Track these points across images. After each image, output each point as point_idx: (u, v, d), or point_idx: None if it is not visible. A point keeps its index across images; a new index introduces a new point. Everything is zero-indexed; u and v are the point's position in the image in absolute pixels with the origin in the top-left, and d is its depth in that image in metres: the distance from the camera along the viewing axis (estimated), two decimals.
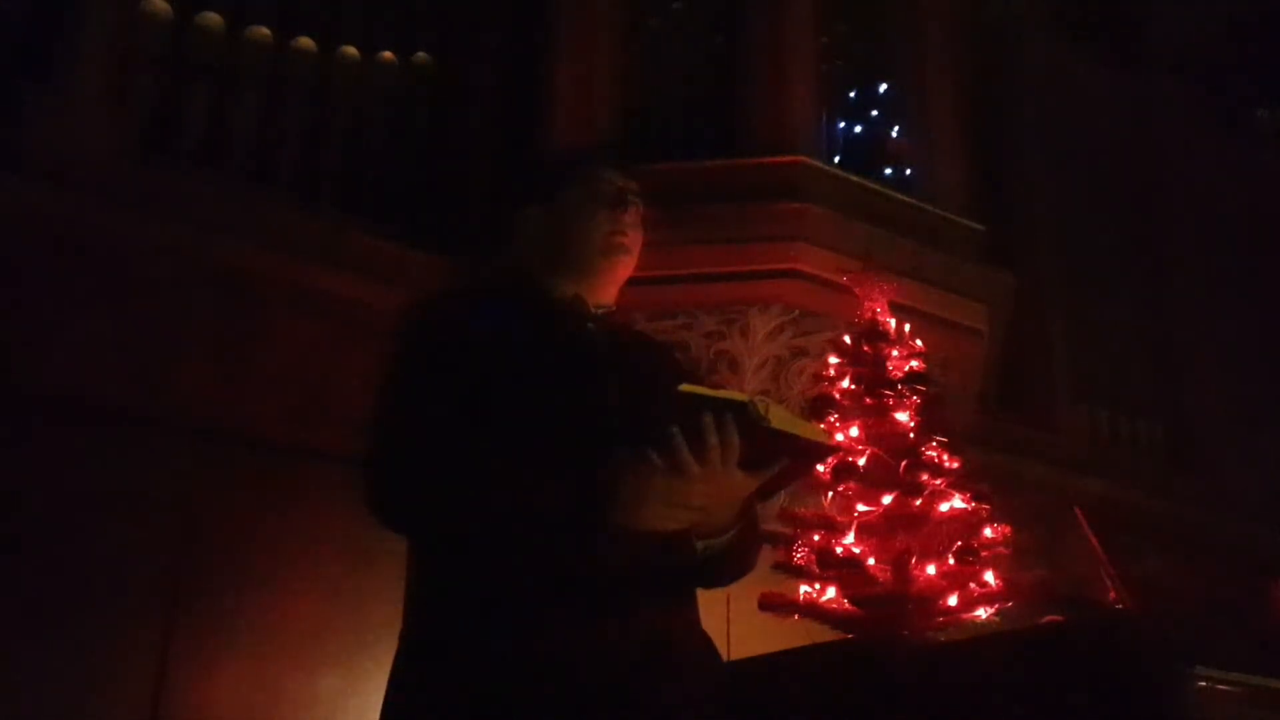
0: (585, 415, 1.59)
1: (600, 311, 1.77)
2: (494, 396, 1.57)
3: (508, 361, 1.61)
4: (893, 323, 3.24)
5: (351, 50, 4.21)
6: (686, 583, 1.63)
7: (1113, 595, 2.55)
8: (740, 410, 1.43)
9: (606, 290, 1.79)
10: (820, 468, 2.91)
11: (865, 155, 4.55)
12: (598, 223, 1.76)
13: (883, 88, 4.76)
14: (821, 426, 1.61)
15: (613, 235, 1.76)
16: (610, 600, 1.50)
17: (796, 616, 2.91)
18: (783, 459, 1.51)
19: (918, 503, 2.93)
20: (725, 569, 1.64)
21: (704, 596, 1.70)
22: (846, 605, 2.90)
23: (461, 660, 1.49)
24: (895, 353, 3.16)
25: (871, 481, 2.96)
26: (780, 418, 1.45)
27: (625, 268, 1.79)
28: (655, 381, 1.65)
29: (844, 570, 2.89)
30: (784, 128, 4.17)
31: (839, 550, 2.90)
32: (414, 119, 4.30)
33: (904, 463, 2.95)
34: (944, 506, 2.94)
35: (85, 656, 3.07)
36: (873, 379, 3.11)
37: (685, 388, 1.45)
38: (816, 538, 2.94)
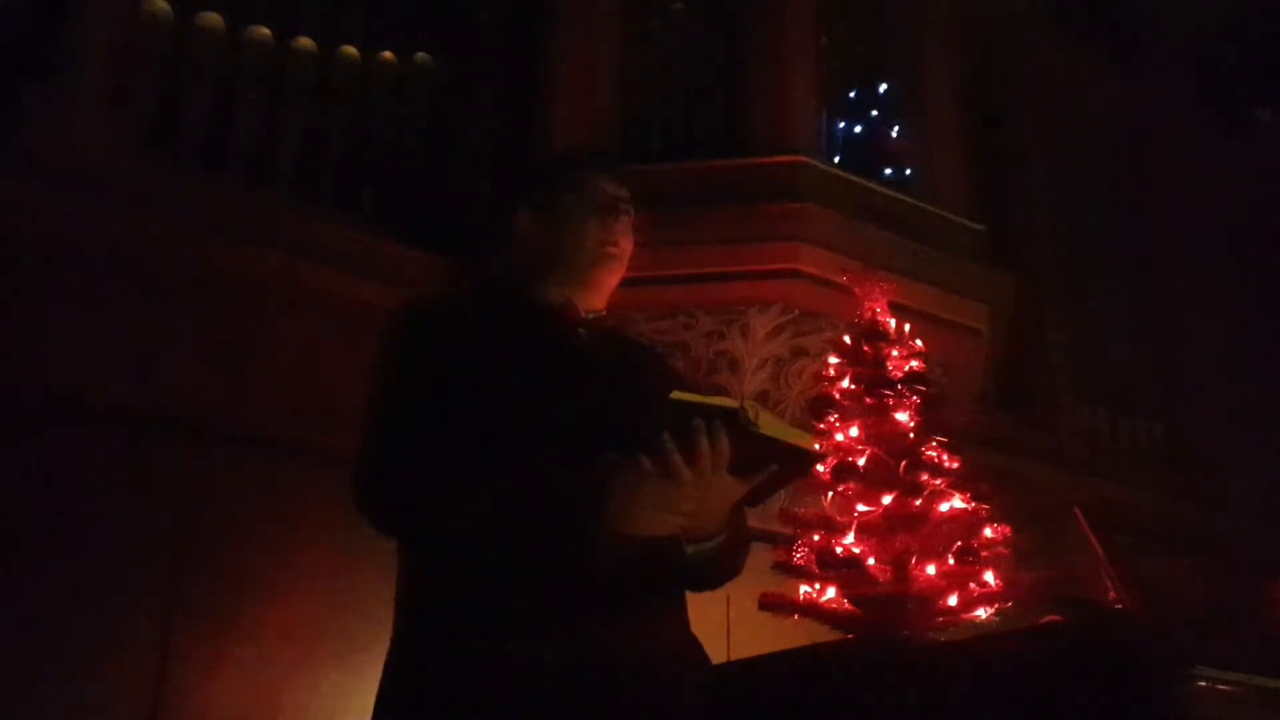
0: (573, 418, 1.60)
1: (590, 316, 1.78)
2: (481, 399, 1.58)
3: (495, 364, 1.62)
4: (893, 323, 3.23)
5: (351, 50, 4.20)
6: (675, 586, 1.64)
7: (1113, 595, 2.55)
8: (730, 416, 1.45)
9: (597, 296, 1.80)
10: (819, 468, 2.92)
11: (865, 155, 4.55)
12: (589, 230, 1.77)
13: (883, 88, 4.75)
14: (810, 434, 1.63)
15: (603, 244, 1.78)
16: (598, 603, 1.50)
17: (796, 616, 2.90)
18: (771, 464, 1.53)
19: (918, 503, 2.92)
20: (714, 572, 1.66)
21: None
22: (846, 605, 2.89)
23: (448, 660, 1.49)
24: (895, 353, 3.15)
25: (871, 481, 2.96)
26: (769, 424, 1.47)
27: (615, 275, 1.81)
28: (643, 385, 1.66)
29: (844, 570, 2.89)
30: (784, 128, 4.17)
31: (839, 550, 2.90)
32: (414, 119, 4.30)
33: (904, 463, 2.95)
34: (944, 506, 2.94)
35: (85, 656, 3.07)
36: (873, 379, 3.10)
37: (676, 395, 1.46)
38: (816, 538, 2.94)
